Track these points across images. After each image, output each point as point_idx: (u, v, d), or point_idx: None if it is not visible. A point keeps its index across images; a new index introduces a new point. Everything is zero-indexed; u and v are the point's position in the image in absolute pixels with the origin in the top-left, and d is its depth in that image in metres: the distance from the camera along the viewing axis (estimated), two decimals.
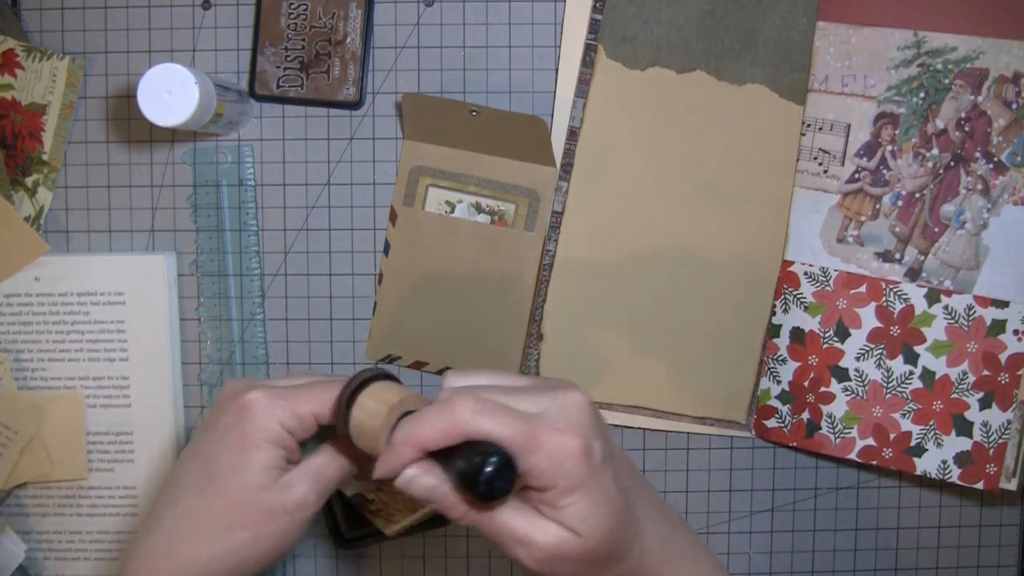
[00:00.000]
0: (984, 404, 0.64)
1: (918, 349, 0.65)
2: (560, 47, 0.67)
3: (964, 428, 0.65)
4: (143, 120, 0.59)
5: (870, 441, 0.66)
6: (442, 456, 0.41)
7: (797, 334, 0.67)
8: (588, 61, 0.66)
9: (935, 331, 0.65)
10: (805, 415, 0.67)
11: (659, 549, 0.46)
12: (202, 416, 0.70)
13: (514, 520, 0.42)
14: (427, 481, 0.42)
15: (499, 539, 0.42)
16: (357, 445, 0.45)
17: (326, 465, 0.47)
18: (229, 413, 0.45)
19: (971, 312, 0.64)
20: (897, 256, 0.65)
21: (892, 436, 0.66)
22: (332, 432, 0.47)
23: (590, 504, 0.41)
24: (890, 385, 0.66)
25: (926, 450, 0.65)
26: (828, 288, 0.66)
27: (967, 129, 0.64)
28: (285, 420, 0.45)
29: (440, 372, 0.69)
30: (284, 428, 0.45)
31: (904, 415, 0.65)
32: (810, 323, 0.66)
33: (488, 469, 0.39)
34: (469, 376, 0.44)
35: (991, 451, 0.65)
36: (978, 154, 0.64)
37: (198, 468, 0.45)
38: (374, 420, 0.43)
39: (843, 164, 0.65)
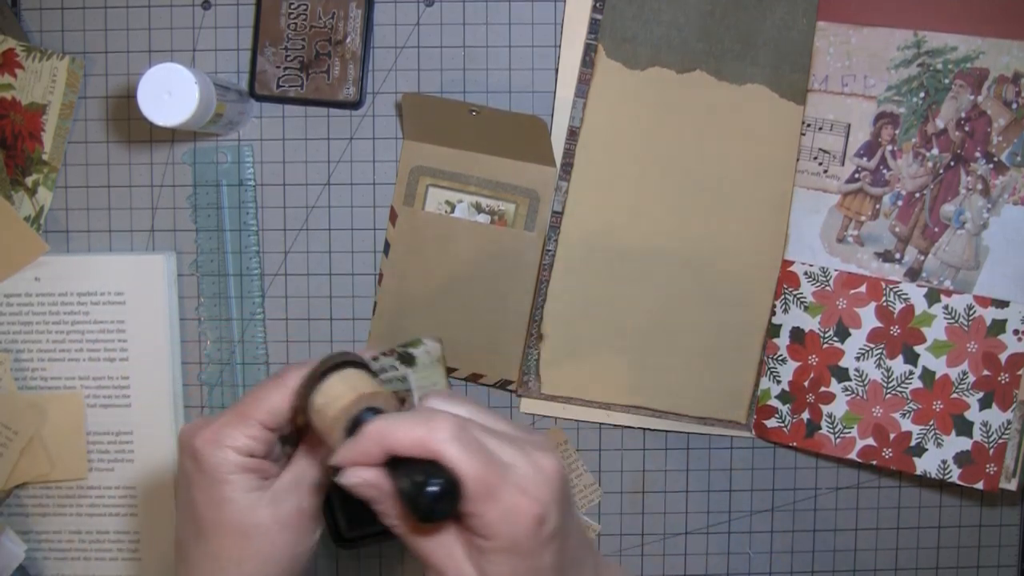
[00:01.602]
0: (984, 404, 0.64)
1: (918, 349, 0.65)
2: (560, 47, 0.67)
3: (964, 428, 0.65)
4: (143, 120, 0.59)
5: (870, 441, 0.66)
6: (393, 462, 0.40)
7: (797, 334, 0.67)
8: (588, 61, 0.66)
9: (935, 331, 0.65)
10: (805, 415, 0.67)
11: None
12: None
13: (437, 552, 0.41)
14: (372, 482, 0.40)
15: (420, 559, 0.41)
16: (315, 426, 0.43)
17: (306, 468, 0.46)
18: (187, 459, 0.45)
19: (971, 312, 0.64)
20: (897, 256, 0.65)
21: (892, 436, 0.66)
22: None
23: (515, 572, 0.39)
24: (890, 385, 0.66)
25: (926, 450, 0.65)
26: (828, 288, 0.66)
27: (967, 129, 0.64)
28: (238, 445, 0.44)
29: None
30: (241, 453, 0.44)
31: (904, 415, 0.65)
32: (810, 323, 0.66)
33: (433, 490, 0.38)
34: (452, 403, 0.43)
35: (991, 451, 0.65)
36: (978, 154, 0.64)
37: (187, 520, 0.45)
38: (338, 402, 0.42)
39: (843, 164, 0.65)
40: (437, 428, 0.39)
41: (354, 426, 0.41)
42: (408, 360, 0.48)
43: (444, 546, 0.41)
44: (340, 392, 0.42)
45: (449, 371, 0.68)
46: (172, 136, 0.69)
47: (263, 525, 0.43)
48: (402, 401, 0.48)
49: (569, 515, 0.42)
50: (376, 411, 0.41)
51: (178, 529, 0.46)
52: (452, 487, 0.39)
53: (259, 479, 0.44)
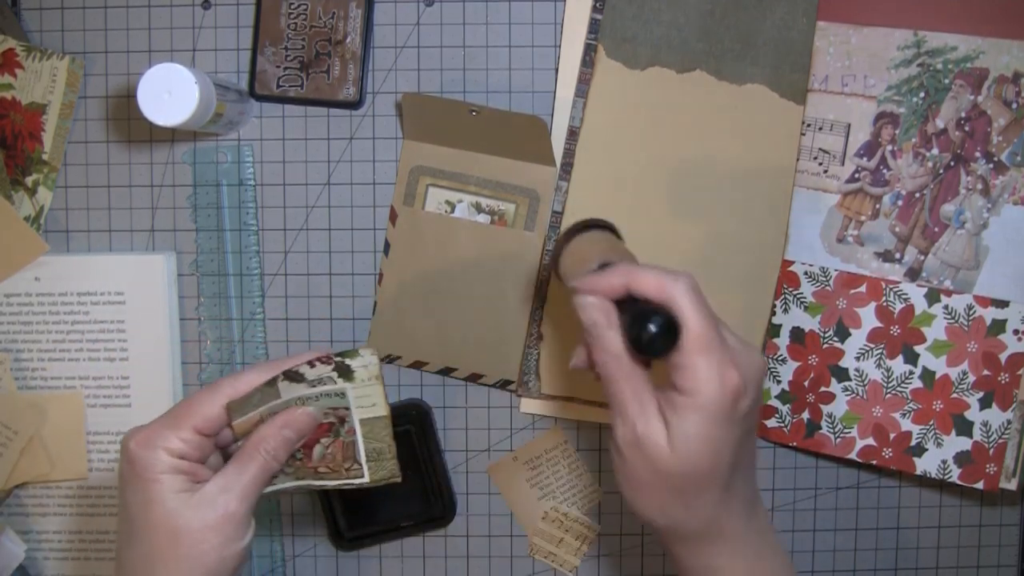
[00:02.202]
0: (984, 404, 0.65)
1: (918, 349, 0.65)
2: (560, 47, 0.67)
3: (964, 428, 0.65)
4: (143, 120, 0.59)
5: (870, 441, 0.66)
6: (621, 304, 0.44)
7: (797, 334, 0.67)
8: (588, 61, 0.66)
9: (935, 331, 0.65)
10: (805, 415, 0.67)
11: (742, 515, 0.46)
12: None
13: (633, 397, 0.43)
14: (604, 308, 0.44)
15: (610, 401, 0.44)
16: (562, 271, 0.50)
17: (236, 474, 0.47)
18: (123, 461, 0.46)
19: (971, 312, 0.64)
20: (897, 256, 0.65)
21: (892, 436, 0.66)
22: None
23: (699, 435, 0.42)
24: (890, 385, 0.66)
25: (926, 450, 0.65)
26: (828, 288, 0.66)
27: (967, 129, 0.64)
28: (169, 447, 0.46)
29: (440, 372, 0.69)
30: (172, 455, 0.46)
31: (904, 415, 0.65)
32: (810, 323, 0.66)
33: (658, 320, 0.41)
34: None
35: (991, 451, 0.65)
36: (978, 154, 0.64)
37: (121, 521, 0.47)
38: (593, 248, 0.48)
39: (843, 164, 0.65)
40: (680, 279, 0.42)
41: (600, 269, 0.46)
42: (346, 373, 0.48)
43: (639, 393, 0.43)
44: (589, 247, 0.49)
45: (448, 371, 0.68)
46: (172, 136, 0.69)
47: (189, 527, 0.44)
48: (342, 421, 0.49)
49: (754, 422, 0.45)
50: (607, 265, 0.46)
51: (118, 535, 0.47)
52: (674, 327, 0.42)
53: (189, 482, 0.46)
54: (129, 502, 0.46)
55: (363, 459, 0.50)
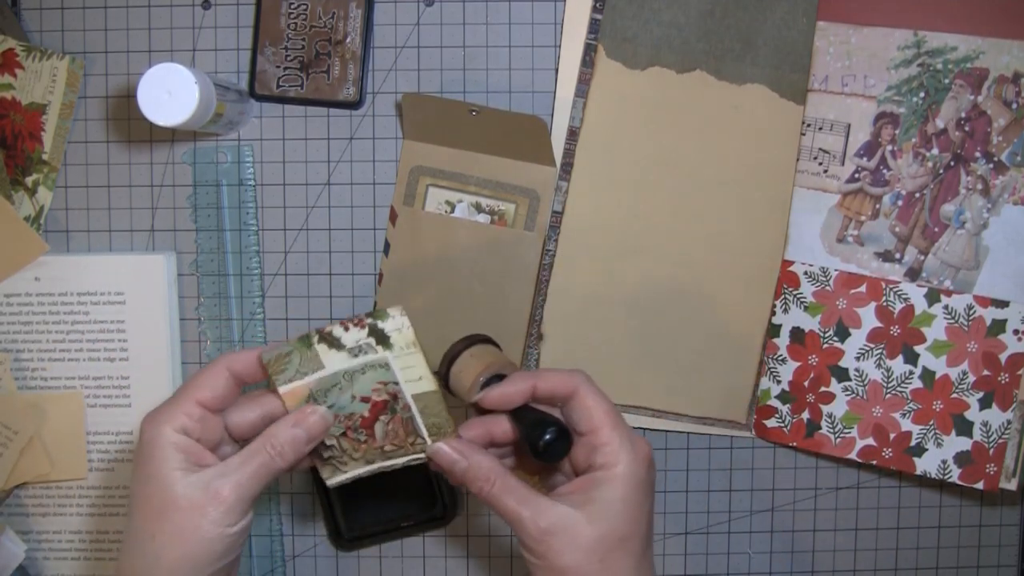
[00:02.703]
0: (984, 404, 0.65)
1: (918, 349, 0.65)
2: (560, 47, 0.67)
3: (964, 428, 0.65)
4: (143, 120, 0.59)
5: (870, 441, 0.66)
6: (519, 415, 0.49)
7: (797, 334, 0.67)
8: (588, 61, 0.66)
9: (935, 331, 0.65)
10: (805, 415, 0.67)
11: None
12: None
13: (519, 504, 0.47)
14: (498, 431, 0.50)
15: (504, 518, 0.48)
16: (452, 388, 0.56)
17: (240, 462, 0.47)
18: (137, 442, 0.48)
19: (971, 312, 0.64)
20: (897, 256, 0.65)
21: (892, 436, 0.66)
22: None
23: (626, 499, 0.47)
24: (890, 385, 0.66)
25: (926, 450, 0.65)
26: (828, 288, 0.66)
27: (967, 129, 0.64)
28: (173, 422, 0.47)
29: (439, 373, 0.68)
30: (175, 430, 0.47)
31: (904, 415, 0.65)
32: (810, 323, 0.66)
33: (554, 429, 0.47)
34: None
35: (991, 451, 0.65)
36: (978, 154, 0.64)
37: (129, 497, 0.48)
38: (473, 369, 0.53)
39: (843, 164, 0.65)
40: (578, 373, 0.49)
41: (486, 385, 0.52)
42: (382, 339, 0.49)
43: (525, 497, 0.47)
44: (477, 363, 0.54)
45: None
46: (172, 136, 0.69)
47: (178, 502, 0.45)
48: (395, 397, 0.50)
49: (654, 493, 0.49)
50: (500, 376, 0.51)
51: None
52: (567, 434, 0.47)
53: (191, 461, 0.47)
54: (134, 477, 0.47)
55: (425, 434, 0.51)
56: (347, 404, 0.49)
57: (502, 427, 0.51)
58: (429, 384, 0.50)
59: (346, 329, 0.48)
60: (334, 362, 0.49)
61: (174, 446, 0.46)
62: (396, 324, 0.48)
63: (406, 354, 0.49)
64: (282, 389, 0.48)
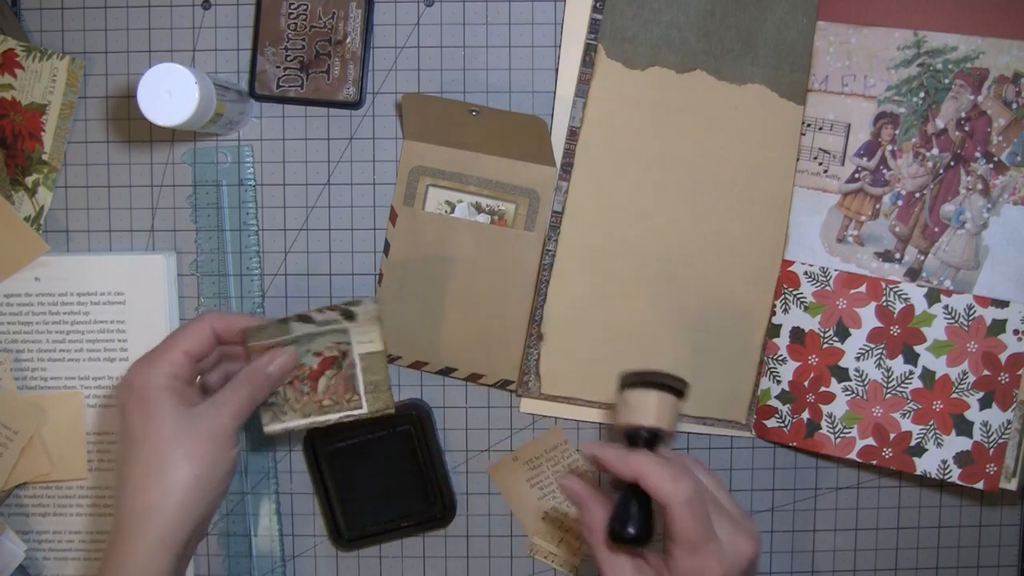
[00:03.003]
0: (984, 404, 0.65)
1: (918, 349, 0.65)
2: (560, 47, 0.67)
3: (964, 428, 0.65)
4: (143, 120, 0.59)
5: (870, 441, 0.66)
6: (626, 486, 0.51)
7: (797, 334, 0.67)
8: (588, 61, 0.66)
9: (935, 331, 0.65)
10: (805, 415, 0.67)
11: None
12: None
13: (614, 564, 0.51)
14: (592, 494, 0.53)
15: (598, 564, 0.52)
16: (616, 406, 0.55)
17: (230, 392, 0.53)
18: (124, 391, 0.52)
19: (971, 312, 0.64)
20: (897, 256, 0.65)
21: (892, 436, 0.66)
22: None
23: None
24: (890, 385, 0.66)
25: (926, 450, 0.65)
26: (828, 288, 0.66)
27: (967, 129, 0.64)
28: (163, 369, 0.52)
29: (440, 372, 0.69)
30: (166, 376, 0.52)
31: (904, 415, 0.65)
32: (810, 323, 0.66)
33: (631, 531, 0.50)
34: (700, 470, 0.54)
35: (991, 451, 0.65)
36: (978, 154, 0.64)
37: (123, 444, 0.52)
38: (644, 416, 0.53)
39: (843, 164, 0.65)
40: (680, 489, 0.48)
41: (634, 435, 0.53)
42: (349, 316, 0.57)
43: (619, 570, 0.51)
44: (650, 409, 0.53)
45: (448, 371, 0.68)
46: (172, 136, 0.69)
47: (188, 433, 0.50)
48: (343, 355, 0.57)
49: None
50: (655, 433, 0.53)
51: (116, 460, 0.53)
52: (646, 535, 0.50)
53: (185, 400, 0.52)
54: (130, 424, 0.51)
55: (362, 391, 0.57)
56: (302, 356, 0.57)
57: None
58: (378, 346, 0.57)
59: (320, 312, 0.56)
60: (301, 330, 0.56)
61: (168, 388, 0.51)
62: (366, 308, 0.57)
63: (366, 326, 0.57)
64: (251, 343, 0.56)
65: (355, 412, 0.58)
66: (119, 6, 0.68)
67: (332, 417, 0.58)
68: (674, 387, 0.54)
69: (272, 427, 0.57)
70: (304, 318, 0.56)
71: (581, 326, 0.67)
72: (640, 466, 0.49)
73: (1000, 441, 0.65)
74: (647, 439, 0.53)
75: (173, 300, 0.69)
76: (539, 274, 0.67)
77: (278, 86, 0.68)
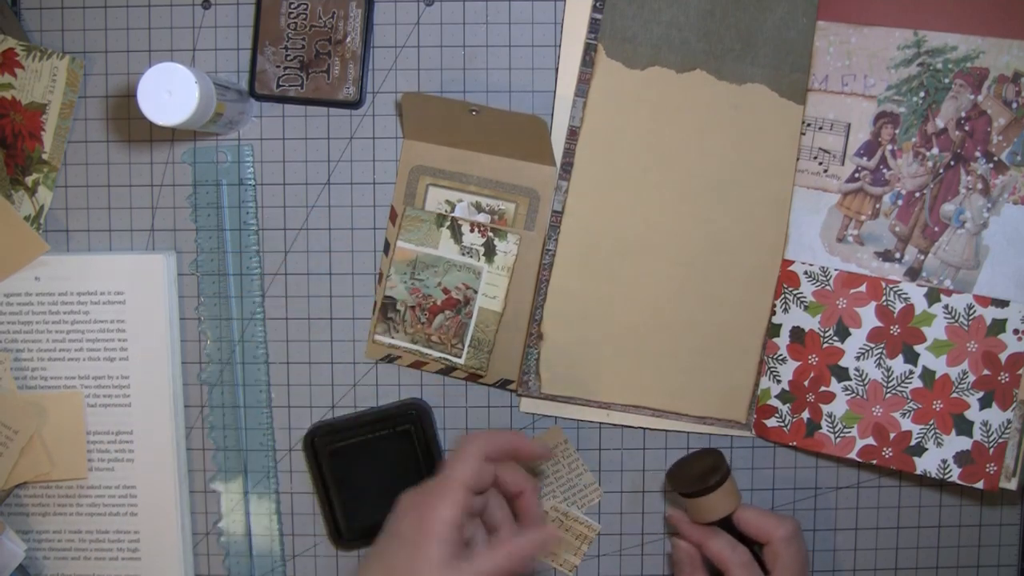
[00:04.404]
0: (984, 403, 0.65)
1: (918, 348, 0.65)
2: (560, 47, 0.67)
3: (964, 427, 0.65)
4: (143, 120, 0.59)
5: (870, 440, 0.66)
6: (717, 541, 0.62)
7: (797, 333, 0.67)
8: (588, 61, 0.66)
9: (935, 330, 0.65)
10: (805, 415, 0.67)
11: None
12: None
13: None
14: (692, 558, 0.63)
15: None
16: (691, 515, 0.63)
17: (501, 559, 0.51)
18: (403, 519, 0.52)
19: (971, 312, 0.64)
20: (897, 256, 0.65)
21: (892, 436, 0.66)
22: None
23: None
24: (890, 384, 0.66)
25: (926, 449, 0.65)
26: (828, 287, 0.66)
27: (967, 129, 0.64)
28: (450, 514, 0.51)
29: (440, 372, 0.68)
30: (448, 524, 0.51)
31: (904, 415, 0.65)
32: (810, 323, 0.66)
33: None
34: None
35: (991, 450, 0.65)
36: (978, 154, 0.64)
37: (377, 556, 0.52)
38: (720, 510, 0.62)
39: (843, 164, 0.65)
40: (783, 524, 0.61)
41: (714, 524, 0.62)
42: (490, 253, 0.60)
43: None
44: (719, 508, 0.62)
45: (448, 371, 0.68)
46: (172, 136, 0.69)
47: None
48: (466, 301, 0.61)
49: None
50: (727, 517, 0.62)
51: (376, 552, 0.53)
52: None
53: (454, 554, 0.50)
54: (397, 556, 0.51)
55: (466, 342, 0.60)
56: (431, 286, 0.59)
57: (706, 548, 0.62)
58: (498, 306, 0.60)
59: (472, 230, 0.60)
60: (445, 248, 0.58)
61: (446, 540, 0.50)
62: (507, 248, 0.59)
63: (497, 275, 0.59)
64: (399, 243, 0.58)
65: (454, 359, 0.60)
66: (119, 5, 0.68)
67: (434, 354, 0.60)
68: (722, 471, 0.62)
69: (382, 338, 0.59)
70: (456, 229, 0.59)
71: (581, 326, 0.67)
72: (730, 544, 0.62)
73: (1000, 441, 0.65)
74: (722, 523, 0.63)
75: (173, 300, 0.69)
76: (539, 274, 0.67)
77: (278, 85, 0.68)
